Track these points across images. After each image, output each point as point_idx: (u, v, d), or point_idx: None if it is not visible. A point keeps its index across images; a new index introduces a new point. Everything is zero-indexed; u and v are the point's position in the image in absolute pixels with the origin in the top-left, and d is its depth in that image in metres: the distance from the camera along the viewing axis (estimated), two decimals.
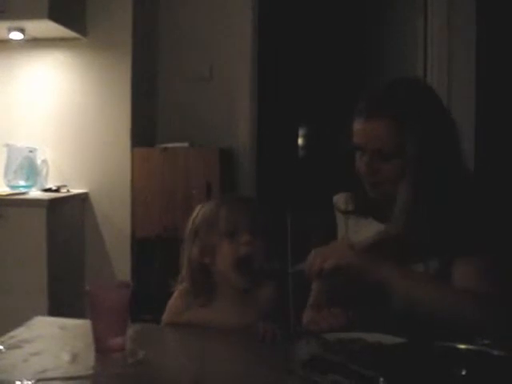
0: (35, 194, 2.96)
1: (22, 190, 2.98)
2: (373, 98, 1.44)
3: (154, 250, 3.02)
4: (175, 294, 1.49)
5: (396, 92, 1.44)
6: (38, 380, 1.07)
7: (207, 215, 1.45)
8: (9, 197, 2.83)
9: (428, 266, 1.39)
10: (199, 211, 1.48)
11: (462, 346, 0.96)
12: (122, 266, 3.08)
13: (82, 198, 3.12)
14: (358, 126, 1.42)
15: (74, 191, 3.08)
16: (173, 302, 1.48)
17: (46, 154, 3.12)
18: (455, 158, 1.43)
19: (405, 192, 1.40)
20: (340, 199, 1.62)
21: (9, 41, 3.04)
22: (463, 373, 0.93)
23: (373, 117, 1.40)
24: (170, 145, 3.08)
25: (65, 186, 3.08)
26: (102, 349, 1.23)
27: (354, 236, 1.54)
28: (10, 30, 2.91)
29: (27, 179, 3.03)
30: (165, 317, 1.48)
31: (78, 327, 1.40)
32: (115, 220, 3.11)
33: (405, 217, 1.42)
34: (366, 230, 1.50)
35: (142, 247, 3.09)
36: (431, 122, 1.40)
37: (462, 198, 1.41)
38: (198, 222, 1.46)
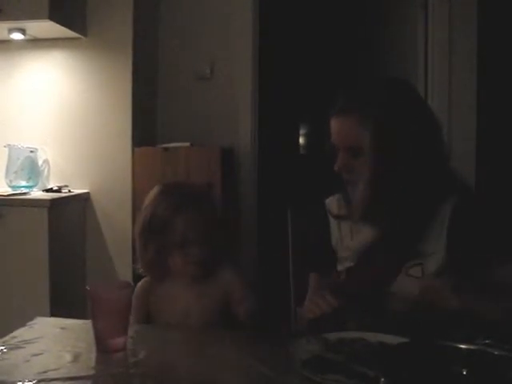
0: (36, 194, 2.96)
1: (24, 190, 2.98)
2: (343, 96, 1.46)
3: None
4: (140, 283, 1.64)
5: (364, 90, 1.46)
6: (40, 380, 1.08)
7: (157, 220, 1.55)
8: (10, 197, 2.83)
9: (426, 269, 1.38)
10: (148, 211, 1.58)
11: (463, 346, 0.96)
12: (123, 265, 3.08)
13: (84, 198, 3.12)
14: (331, 123, 1.45)
15: (76, 191, 3.08)
16: (137, 289, 1.62)
17: (47, 154, 3.13)
18: (425, 157, 1.40)
19: (362, 190, 1.41)
20: (332, 203, 1.62)
21: (9, 41, 3.05)
22: (464, 372, 0.93)
23: (341, 114, 1.43)
24: (171, 145, 3.07)
25: (66, 186, 3.08)
26: (103, 349, 1.23)
27: (348, 240, 1.54)
28: (10, 30, 2.92)
29: (28, 179, 3.04)
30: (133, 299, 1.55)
31: (80, 328, 1.41)
32: (116, 220, 3.11)
33: (360, 214, 1.43)
34: (359, 234, 1.50)
35: None
36: (396, 119, 1.39)
37: (430, 197, 1.40)
38: (149, 223, 1.56)
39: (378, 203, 1.40)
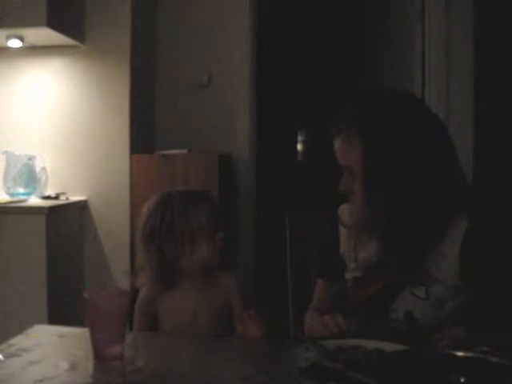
0: (34, 201, 2.96)
1: (21, 197, 2.98)
2: (340, 115, 1.43)
3: None
4: (144, 290, 1.66)
5: (358, 108, 1.42)
6: None
7: (175, 215, 1.58)
8: (8, 204, 2.82)
9: (431, 291, 1.36)
10: (157, 214, 1.60)
11: (461, 354, 0.96)
12: (121, 273, 3.07)
13: (81, 206, 3.11)
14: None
15: (73, 198, 3.08)
16: (142, 296, 1.65)
17: (44, 161, 3.12)
18: (429, 176, 1.35)
19: (359, 211, 1.39)
20: (344, 211, 1.59)
21: (7, 48, 3.04)
22: (462, 380, 0.93)
23: (337, 134, 1.41)
24: (168, 151, 3.08)
25: (64, 193, 3.08)
26: (100, 357, 1.23)
27: (356, 249, 1.52)
28: (8, 37, 2.91)
29: (26, 187, 3.03)
30: (136, 307, 1.63)
31: (77, 335, 1.40)
32: (114, 227, 3.11)
33: (363, 231, 1.43)
34: (367, 245, 1.48)
35: None
36: (385, 139, 1.34)
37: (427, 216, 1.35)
38: (159, 226, 1.59)
39: (375, 224, 1.38)
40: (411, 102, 1.45)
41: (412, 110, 1.40)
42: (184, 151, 3.07)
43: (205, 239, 1.58)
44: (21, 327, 1.42)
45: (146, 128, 3.35)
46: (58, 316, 2.75)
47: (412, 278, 1.37)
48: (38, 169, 3.09)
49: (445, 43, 3.20)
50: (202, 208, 1.59)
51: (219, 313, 1.61)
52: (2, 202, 2.85)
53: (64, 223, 2.97)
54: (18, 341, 1.34)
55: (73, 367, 1.19)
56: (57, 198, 3.01)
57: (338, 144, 1.41)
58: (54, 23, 2.78)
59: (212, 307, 1.61)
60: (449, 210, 1.36)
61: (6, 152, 3.05)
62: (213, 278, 1.64)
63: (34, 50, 3.11)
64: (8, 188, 3.02)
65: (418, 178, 1.34)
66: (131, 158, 3.08)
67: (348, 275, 1.54)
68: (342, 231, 1.59)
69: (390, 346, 1.17)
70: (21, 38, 2.93)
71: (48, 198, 3.00)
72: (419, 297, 1.36)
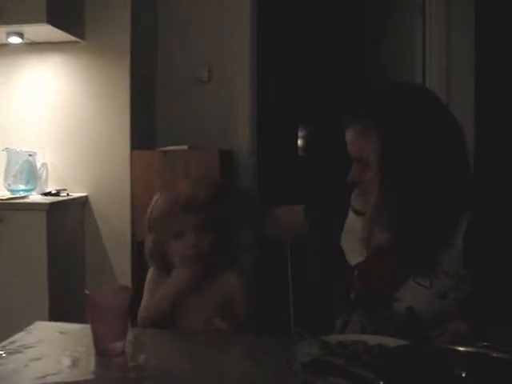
0: (35, 197, 2.96)
1: (22, 193, 2.98)
2: (353, 106, 1.45)
3: None
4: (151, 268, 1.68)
5: (373, 99, 1.44)
6: None
7: (159, 213, 1.61)
8: (9, 201, 2.83)
9: (435, 280, 1.37)
10: (154, 205, 1.64)
11: (462, 348, 0.96)
12: (122, 269, 3.08)
13: (82, 202, 3.12)
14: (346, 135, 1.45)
15: (74, 195, 3.08)
16: (150, 274, 1.67)
17: (45, 157, 3.13)
18: (438, 169, 1.37)
19: (372, 202, 1.40)
20: (357, 199, 1.59)
21: (7, 45, 3.05)
22: (463, 375, 0.93)
23: (351, 126, 1.43)
24: (169, 148, 3.07)
25: (64, 189, 3.08)
26: (102, 353, 1.23)
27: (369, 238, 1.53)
28: (8, 34, 2.92)
29: (27, 183, 3.03)
30: (145, 285, 1.64)
31: (79, 332, 1.40)
32: (115, 223, 3.11)
33: (369, 227, 1.43)
34: (378, 233, 1.48)
35: (142, 250, 3.08)
36: (402, 131, 1.36)
37: (440, 209, 1.36)
38: (154, 216, 1.63)
39: (389, 214, 1.39)
40: (425, 93, 1.48)
41: (426, 102, 1.43)
42: (184, 147, 3.07)
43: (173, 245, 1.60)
44: (22, 324, 1.43)
45: (147, 124, 3.34)
46: (59, 312, 2.75)
47: (419, 267, 1.38)
48: (38, 165, 3.09)
49: (445, 40, 3.19)
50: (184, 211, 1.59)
51: (214, 312, 1.58)
52: (3, 198, 2.85)
53: (65, 219, 2.97)
54: (20, 337, 1.34)
55: (74, 363, 1.19)
56: (57, 194, 3.01)
57: (351, 136, 1.43)
58: (53, 20, 2.78)
59: (207, 306, 1.59)
60: (457, 200, 1.38)
61: (6, 148, 3.05)
62: (216, 274, 1.63)
63: (34, 47, 3.11)
64: (9, 184, 3.03)
65: (432, 170, 1.36)
66: (132, 155, 3.08)
67: (352, 261, 1.55)
68: (352, 218, 1.59)
69: (391, 341, 1.17)
70: (21, 35, 2.93)
71: (49, 194, 3.01)
72: (423, 286, 1.37)
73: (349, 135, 1.44)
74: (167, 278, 1.61)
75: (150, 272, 1.68)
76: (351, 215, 1.60)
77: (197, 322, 1.55)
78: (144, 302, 1.63)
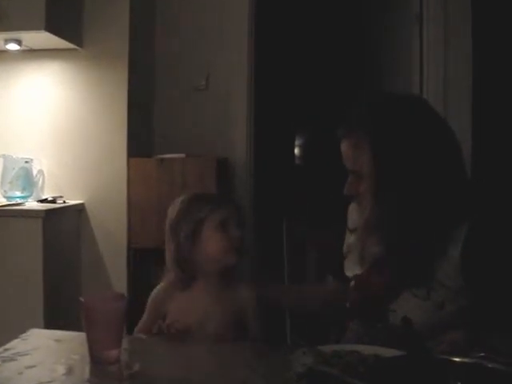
0: (31, 204, 2.95)
1: (18, 200, 2.97)
2: (346, 118, 1.44)
3: (151, 261, 3.01)
4: (158, 287, 1.63)
5: (368, 111, 1.42)
6: None
7: (191, 209, 1.59)
8: (5, 208, 2.82)
9: (432, 291, 1.36)
10: (178, 205, 1.62)
11: (458, 359, 0.96)
12: (118, 277, 3.07)
13: (79, 209, 3.11)
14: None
15: (71, 202, 3.07)
16: (156, 293, 1.62)
17: (42, 164, 3.12)
18: (433, 180, 1.36)
19: (367, 214, 1.40)
20: (353, 212, 1.60)
21: (5, 52, 3.05)
22: None
23: (344, 137, 1.42)
24: (166, 156, 3.07)
25: (61, 196, 3.08)
26: (97, 361, 1.23)
27: (364, 250, 1.53)
28: (6, 41, 2.92)
29: (23, 190, 3.02)
30: (148, 303, 1.61)
31: (74, 340, 1.40)
32: (111, 231, 3.10)
33: (364, 240, 1.43)
34: (374, 245, 1.47)
35: (138, 258, 3.09)
36: (395, 142, 1.35)
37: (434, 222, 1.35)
38: (175, 217, 1.62)
39: (384, 226, 1.38)
40: (420, 104, 1.47)
41: (421, 113, 1.42)
42: (182, 155, 3.07)
43: (214, 236, 1.56)
44: (17, 331, 1.42)
45: (144, 132, 3.35)
46: (54, 320, 2.74)
47: (415, 279, 1.37)
48: (35, 172, 3.08)
49: (443, 47, 3.20)
50: (207, 205, 1.58)
51: (229, 321, 1.56)
52: None
53: (61, 227, 2.97)
54: (14, 345, 1.33)
55: (69, 371, 1.18)
56: (54, 201, 3.00)
57: (345, 147, 1.42)
58: (52, 27, 2.78)
59: (223, 315, 1.56)
60: (454, 210, 1.37)
61: (3, 155, 3.04)
62: (230, 287, 1.60)
63: (32, 54, 3.11)
64: (5, 191, 3.02)
65: (427, 180, 1.35)
66: (129, 162, 3.08)
67: (349, 273, 1.55)
68: (348, 234, 1.60)
69: (386, 352, 1.17)
70: (19, 42, 2.93)
71: (45, 201, 3.00)
72: (420, 297, 1.36)
73: (343, 147, 1.43)
74: (186, 290, 1.59)
75: (159, 289, 1.63)
76: (347, 232, 1.61)
77: (208, 330, 1.54)
78: (146, 322, 1.60)
